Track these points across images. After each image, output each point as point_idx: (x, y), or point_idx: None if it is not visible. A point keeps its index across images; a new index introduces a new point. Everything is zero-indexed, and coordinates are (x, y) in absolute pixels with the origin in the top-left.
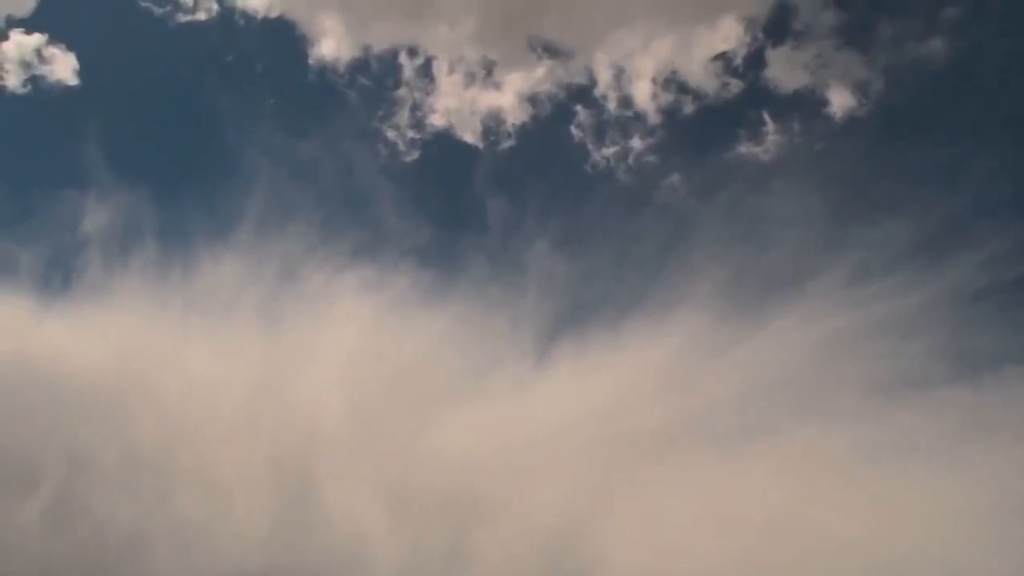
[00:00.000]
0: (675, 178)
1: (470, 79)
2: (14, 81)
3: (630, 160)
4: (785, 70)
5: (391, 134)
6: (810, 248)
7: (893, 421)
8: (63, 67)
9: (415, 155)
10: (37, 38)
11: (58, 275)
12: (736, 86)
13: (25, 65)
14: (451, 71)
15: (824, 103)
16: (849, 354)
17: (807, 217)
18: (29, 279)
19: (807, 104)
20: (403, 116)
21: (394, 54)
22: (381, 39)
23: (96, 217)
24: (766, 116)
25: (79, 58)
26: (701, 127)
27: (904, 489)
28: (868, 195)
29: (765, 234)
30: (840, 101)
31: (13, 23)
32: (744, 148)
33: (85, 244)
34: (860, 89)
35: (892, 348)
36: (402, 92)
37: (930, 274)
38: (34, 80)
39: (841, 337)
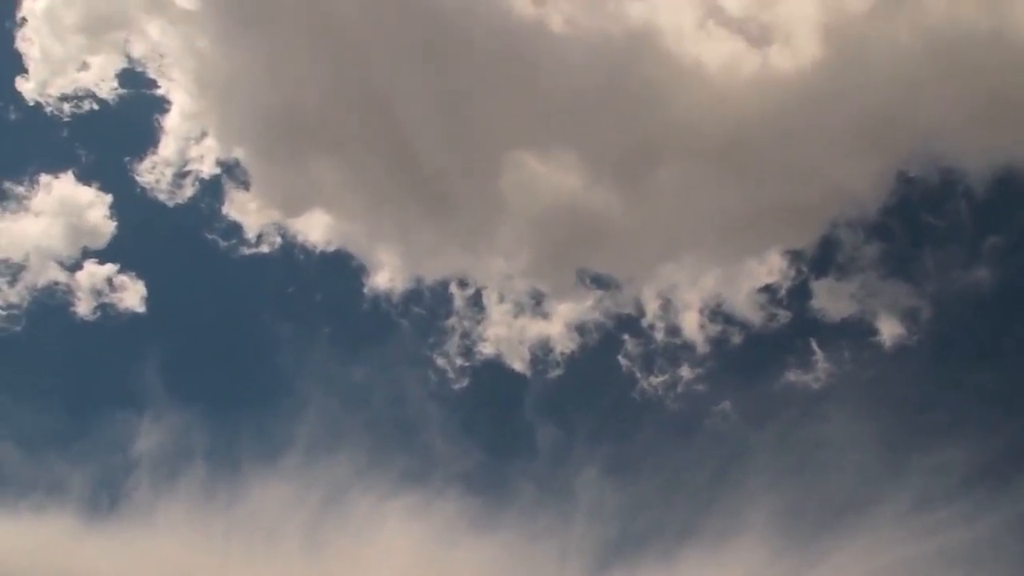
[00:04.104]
0: (725, 406)
1: (519, 309)
2: (84, 309)
3: (679, 388)
4: (831, 300)
5: (441, 362)
6: (868, 476)
7: None
8: (132, 295)
9: (464, 382)
10: (109, 268)
11: (105, 495)
12: (784, 317)
13: (96, 293)
14: (501, 301)
15: (873, 332)
16: None
17: (863, 445)
18: (77, 499)
19: (856, 333)
20: (453, 344)
21: (445, 285)
22: (434, 270)
23: (148, 439)
24: (814, 345)
25: (148, 287)
26: (750, 356)
27: None
28: (925, 422)
29: (821, 462)
30: (889, 329)
31: (88, 254)
32: (794, 376)
33: (135, 465)
34: (909, 317)
35: None
36: (452, 321)
37: (997, 501)
38: (103, 307)
39: (906, 569)
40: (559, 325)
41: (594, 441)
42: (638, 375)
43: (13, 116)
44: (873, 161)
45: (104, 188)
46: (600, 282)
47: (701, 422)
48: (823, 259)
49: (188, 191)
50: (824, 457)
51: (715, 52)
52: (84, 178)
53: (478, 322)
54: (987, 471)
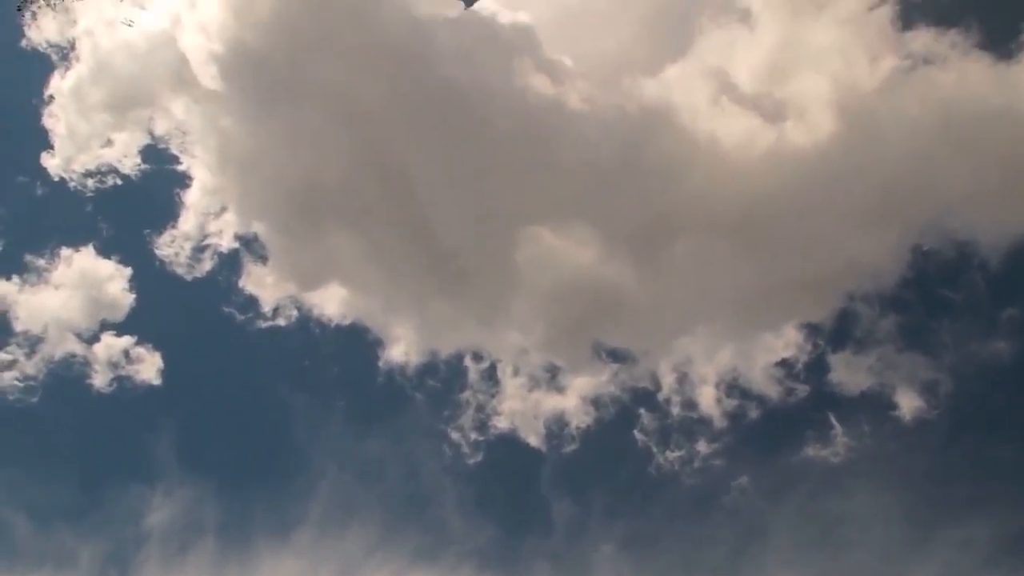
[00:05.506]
0: (743, 480)
1: (534, 382)
2: (101, 381)
3: (696, 463)
4: (849, 374)
5: (455, 435)
6: (891, 551)
7: None
8: (148, 368)
9: (479, 457)
10: (126, 340)
11: (115, 569)
12: (801, 391)
13: (112, 366)
14: (515, 374)
15: (892, 405)
16: None
17: (885, 520)
18: (86, 572)
19: (874, 406)
20: (467, 418)
21: (460, 358)
22: (449, 344)
23: (160, 513)
24: (833, 419)
25: (164, 359)
26: (767, 431)
27: None
28: (948, 496)
29: (841, 538)
30: (908, 403)
31: (106, 326)
32: (812, 451)
33: (146, 539)
34: (928, 390)
35: None
36: (467, 395)
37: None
38: (119, 380)
39: None
40: (574, 399)
41: (610, 517)
42: (654, 450)
43: (39, 191)
44: (888, 235)
45: (124, 261)
46: (616, 356)
47: (719, 497)
48: (840, 332)
49: (206, 265)
50: (845, 532)
51: (729, 128)
52: (104, 251)
53: (492, 396)
54: (1014, 545)
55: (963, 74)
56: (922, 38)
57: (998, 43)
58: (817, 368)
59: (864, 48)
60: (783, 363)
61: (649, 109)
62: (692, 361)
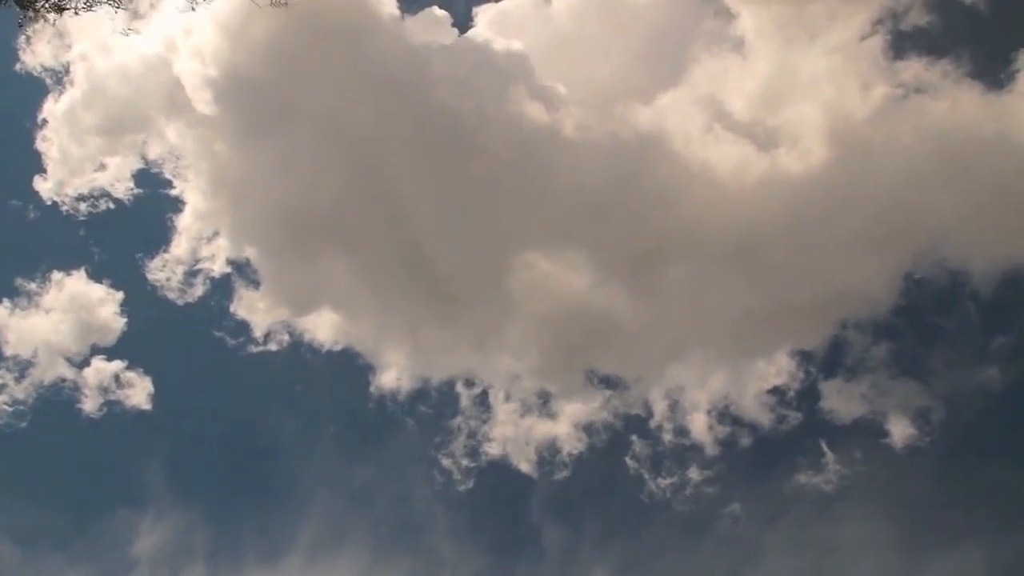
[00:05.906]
0: (735, 508)
1: (526, 408)
2: (91, 405)
3: (688, 490)
4: (841, 401)
5: (447, 462)
6: None
7: None
8: (139, 392)
9: (470, 483)
10: (117, 364)
11: None
12: (793, 418)
13: (103, 390)
14: (507, 400)
15: (884, 433)
16: None
17: (878, 547)
18: None
19: (867, 434)
20: (459, 444)
21: (451, 384)
22: (441, 369)
23: (149, 538)
24: (825, 447)
25: (155, 384)
26: (759, 458)
27: None
28: (942, 523)
29: (834, 565)
30: (900, 430)
31: (97, 350)
32: (804, 478)
33: (135, 565)
34: (920, 417)
35: None
36: (458, 421)
37: None
38: (110, 404)
39: None
40: (566, 425)
41: (602, 544)
42: (646, 476)
43: (31, 215)
44: (880, 262)
45: (115, 286)
46: (608, 382)
47: (711, 524)
48: (832, 360)
49: (198, 289)
50: (837, 560)
51: (722, 155)
52: (96, 276)
53: (484, 421)
54: (1007, 571)
55: (954, 103)
56: (913, 67)
57: (989, 73)
58: (809, 395)
59: (856, 77)
60: (775, 390)
61: (643, 136)
62: (684, 388)
